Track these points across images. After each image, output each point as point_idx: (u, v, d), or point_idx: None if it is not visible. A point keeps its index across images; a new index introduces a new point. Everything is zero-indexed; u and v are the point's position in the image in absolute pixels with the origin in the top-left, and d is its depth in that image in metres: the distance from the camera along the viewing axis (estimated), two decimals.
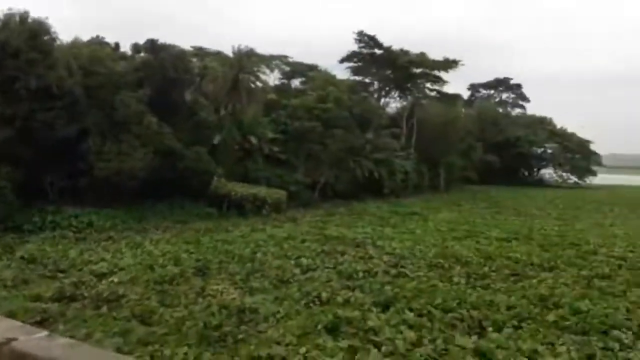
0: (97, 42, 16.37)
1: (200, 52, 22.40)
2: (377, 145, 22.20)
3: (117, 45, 16.81)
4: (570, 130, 40.54)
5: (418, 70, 27.45)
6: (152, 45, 15.67)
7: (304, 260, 9.02)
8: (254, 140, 18.07)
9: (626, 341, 5.39)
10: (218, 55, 21.59)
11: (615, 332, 5.66)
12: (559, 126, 40.89)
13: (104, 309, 6.36)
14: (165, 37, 19.93)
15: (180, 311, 6.29)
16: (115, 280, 7.48)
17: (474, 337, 5.58)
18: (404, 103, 28.99)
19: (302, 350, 5.11)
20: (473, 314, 6.28)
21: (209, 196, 15.11)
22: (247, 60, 18.74)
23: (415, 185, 24.42)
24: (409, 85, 28.14)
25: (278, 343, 5.29)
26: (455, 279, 8.17)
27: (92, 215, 12.18)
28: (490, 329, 5.88)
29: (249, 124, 18.19)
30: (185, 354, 5.07)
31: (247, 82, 18.50)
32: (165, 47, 15.60)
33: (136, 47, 16.29)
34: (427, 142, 25.73)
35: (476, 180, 30.94)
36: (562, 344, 5.34)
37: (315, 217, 15.49)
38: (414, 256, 9.81)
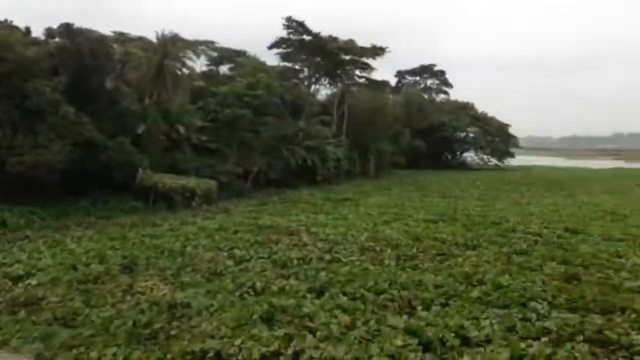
0: (7, 27, 15.05)
1: (121, 37, 21.20)
2: (309, 132, 22.25)
3: (27, 29, 15.54)
4: (490, 114, 42.84)
5: (347, 57, 27.66)
6: (67, 30, 14.64)
7: (237, 252, 8.90)
8: (181, 129, 17.44)
9: (542, 311, 5.81)
10: (141, 40, 20.57)
11: (533, 304, 6.07)
12: (480, 111, 43.02)
13: (22, 313, 5.94)
14: (82, 22, 18.59)
15: (107, 310, 6.00)
16: (34, 282, 6.99)
17: (405, 317, 5.78)
18: (334, 90, 29.19)
19: (237, 342, 5.05)
20: (403, 295, 6.50)
21: (134, 189, 14.44)
22: (171, 46, 17.98)
23: (347, 171, 24.80)
24: (338, 72, 28.32)
25: (212, 337, 5.20)
26: (386, 262, 8.42)
27: (4, 213, 11.27)
28: (419, 307, 6.11)
29: (175, 112, 17.51)
30: (114, 354, 4.86)
31: (173, 69, 17.77)
32: (82, 32, 14.64)
33: (50, 32, 15.17)
34: (358, 129, 26.18)
35: (404, 165, 32.00)
36: (486, 318, 5.66)
37: (249, 206, 15.32)
38: (347, 241, 9.98)
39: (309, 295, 6.57)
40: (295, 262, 8.28)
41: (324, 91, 30.19)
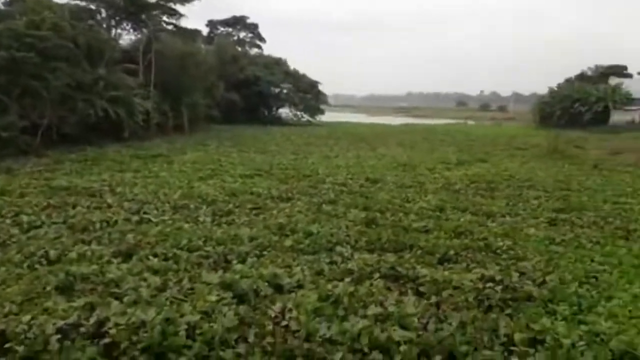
0: None
1: None
2: (111, 82, 20.09)
3: None
4: (302, 71, 44.33)
5: (152, 0, 25.43)
6: None
7: (24, 217, 7.71)
8: None
9: (346, 254, 6.31)
10: None
11: (338, 248, 6.55)
12: (292, 68, 44.18)
13: None
14: None
15: None
16: None
17: (220, 272, 5.70)
18: (139, 36, 26.78)
19: (26, 318, 4.38)
20: (218, 250, 6.41)
21: None
22: None
23: (158, 126, 23.34)
24: (143, 17, 25.93)
25: None
26: (201, 219, 8.20)
27: None
28: (235, 261, 6.11)
29: None
30: None
31: None
32: None
33: None
34: (168, 80, 24.62)
35: (220, 120, 31.40)
36: (297, 265, 5.93)
37: (39, 166, 13.39)
38: (159, 200, 9.45)
39: (114, 260, 6.04)
40: (97, 225, 7.52)
41: (127, 37, 27.49)
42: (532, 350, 3.91)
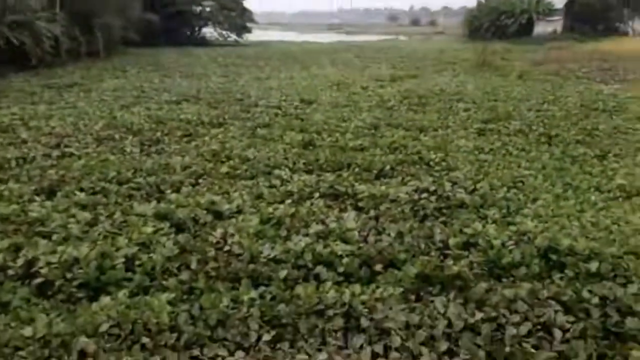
0: None
1: None
2: (9, 5, 17.89)
3: None
4: None
5: None
6: None
7: None
8: None
9: (285, 177, 6.24)
10: None
11: (277, 172, 6.47)
12: None
13: None
14: None
15: None
16: None
17: (154, 203, 5.50)
18: None
19: None
20: (150, 181, 6.14)
21: None
22: None
23: (70, 52, 21.33)
24: None
25: None
26: (128, 149, 7.77)
27: None
28: (169, 191, 5.89)
29: None
30: None
31: None
32: None
33: None
34: (76, 0, 22.26)
35: (138, 43, 29.12)
36: (235, 191, 5.81)
37: None
38: (79, 132, 8.81)
39: (37, 198, 5.64)
40: (13, 163, 6.93)
41: None
42: (465, 253, 4.13)
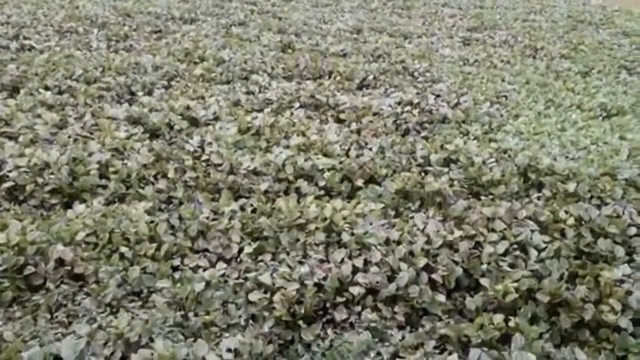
0: None
1: None
2: None
3: None
4: None
5: None
6: None
7: None
8: None
9: (263, 83, 5.97)
10: None
11: (254, 77, 6.17)
12: None
13: None
14: None
15: None
16: None
17: (125, 105, 5.23)
18: None
19: None
20: (120, 81, 5.80)
21: None
22: None
23: None
24: None
25: None
26: (94, 45, 7.24)
27: None
28: (140, 93, 5.59)
29: None
30: None
31: None
32: None
33: None
34: None
35: None
36: (211, 96, 5.55)
37: None
38: (39, 22, 8.11)
39: None
40: None
41: None
42: (446, 169, 4.13)
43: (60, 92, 5.45)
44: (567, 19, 10.53)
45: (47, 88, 5.50)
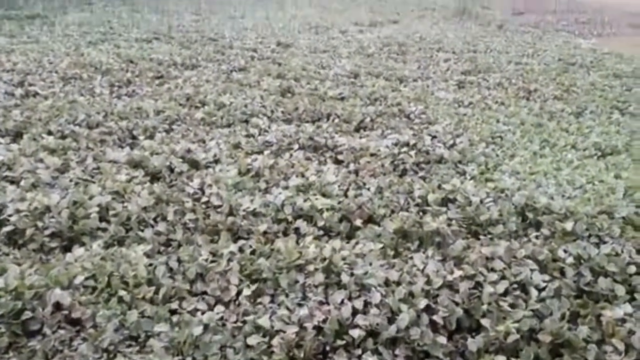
0: None
1: None
2: None
3: None
4: None
5: None
6: None
7: None
8: None
9: (263, 126, 6.08)
10: None
11: (254, 120, 6.29)
12: None
13: None
14: None
15: None
16: None
17: (127, 149, 5.31)
18: None
19: None
20: (122, 125, 5.91)
21: None
22: None
23: None
24: None
25: None
26: (98, 90, 7.42)
27: None
28: (142, 137, 5.69)
29: None
30: None
31: None
32: None
33: None
34: None
35: None
36: (212, 139, 5.64)
37: None
38: (44, 70, 8.33)
39: (2, 140, 5.37)
40: None
41: None
42: (444, 209, 4.15)
43: (63, 137, 5.54)
44: (558, 62, 10.79)
45: (50, 133, 5.61)
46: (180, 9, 18.09)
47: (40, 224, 3.78)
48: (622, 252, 3.46)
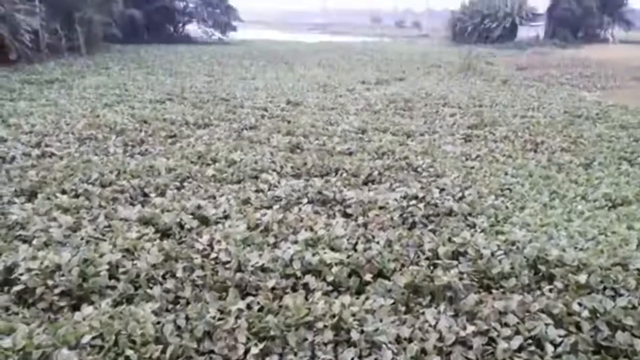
0: None
1: None
2: None
3: None
4: None
5: None
6: None
7: None
8: None
9: (272, 181, 6.17)
10: None
11: (264, 175, 6.39)
12: None
13: None
14: None
15: None
16: None
17: (138, 207, 5.38)
18: None
19: None
20: (134, 183, 6.02)
21: None
22: None
23: (50, 47, 20.93)
24: None
25: None
26: (111, 150, 7.62)
27: None
28: (153, 195, 5.78)
29: None
30: None
31: None
32: None
33: None
34: None
35: (121, 39, 28.65)
36: (222, 195, 5.72)
37: None
38: (61, 131, 8.61)
39: (17, 200, 5.48)
40: None
41: None
42: (455, 262, 4.10)
43: (76, 196, 5.65)
44: (564, 114, 10.94)
45: (64, 192, 5.72)
46: (194, 72, 18.80)
47: (50, 282, 3.79)
48: (639, 305, 3.37)
